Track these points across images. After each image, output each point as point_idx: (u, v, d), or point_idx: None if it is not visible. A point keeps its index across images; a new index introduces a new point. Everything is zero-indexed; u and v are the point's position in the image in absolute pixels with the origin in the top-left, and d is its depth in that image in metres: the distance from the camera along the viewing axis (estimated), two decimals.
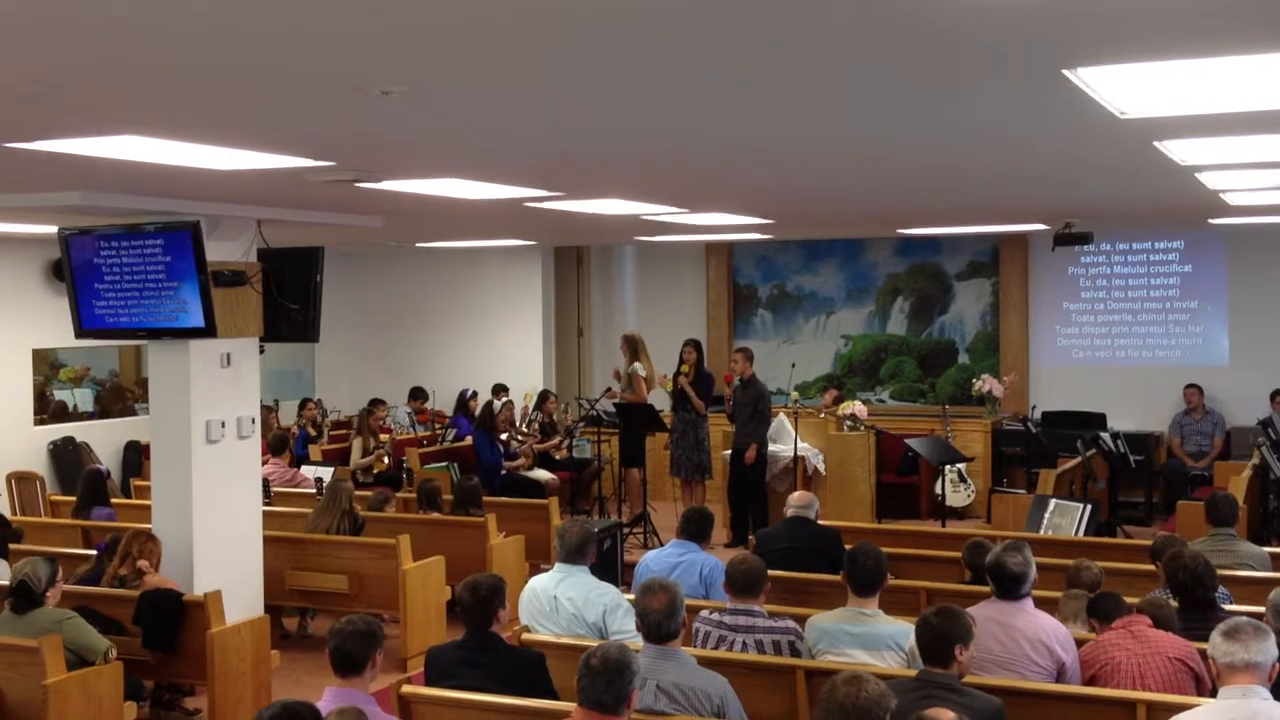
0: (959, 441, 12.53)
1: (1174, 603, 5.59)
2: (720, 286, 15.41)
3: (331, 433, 13.65)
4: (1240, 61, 3.70)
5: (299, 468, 11.29)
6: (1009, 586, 5.32)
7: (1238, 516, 7.51)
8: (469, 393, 13.85)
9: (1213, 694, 4.38)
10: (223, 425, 7.49)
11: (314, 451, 12.47)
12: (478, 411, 12.67)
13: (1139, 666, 5.05)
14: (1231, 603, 6.08)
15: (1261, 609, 4.93)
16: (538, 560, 9.29)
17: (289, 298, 7.54)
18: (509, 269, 15.33)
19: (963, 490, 12.65)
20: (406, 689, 5.11)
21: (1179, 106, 4.55)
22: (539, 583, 6.02)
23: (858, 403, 12.63)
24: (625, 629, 5.67)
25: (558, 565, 6.01)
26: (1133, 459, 11.76)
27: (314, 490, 10.37)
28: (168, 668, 6.92)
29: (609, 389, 12.42)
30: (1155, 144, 5.58)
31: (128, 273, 7.10)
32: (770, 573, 5.76)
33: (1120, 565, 7.22)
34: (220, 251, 7.26)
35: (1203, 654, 4.69)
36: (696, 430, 11.53)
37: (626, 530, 10.55)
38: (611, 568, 8.78)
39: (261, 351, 7.81)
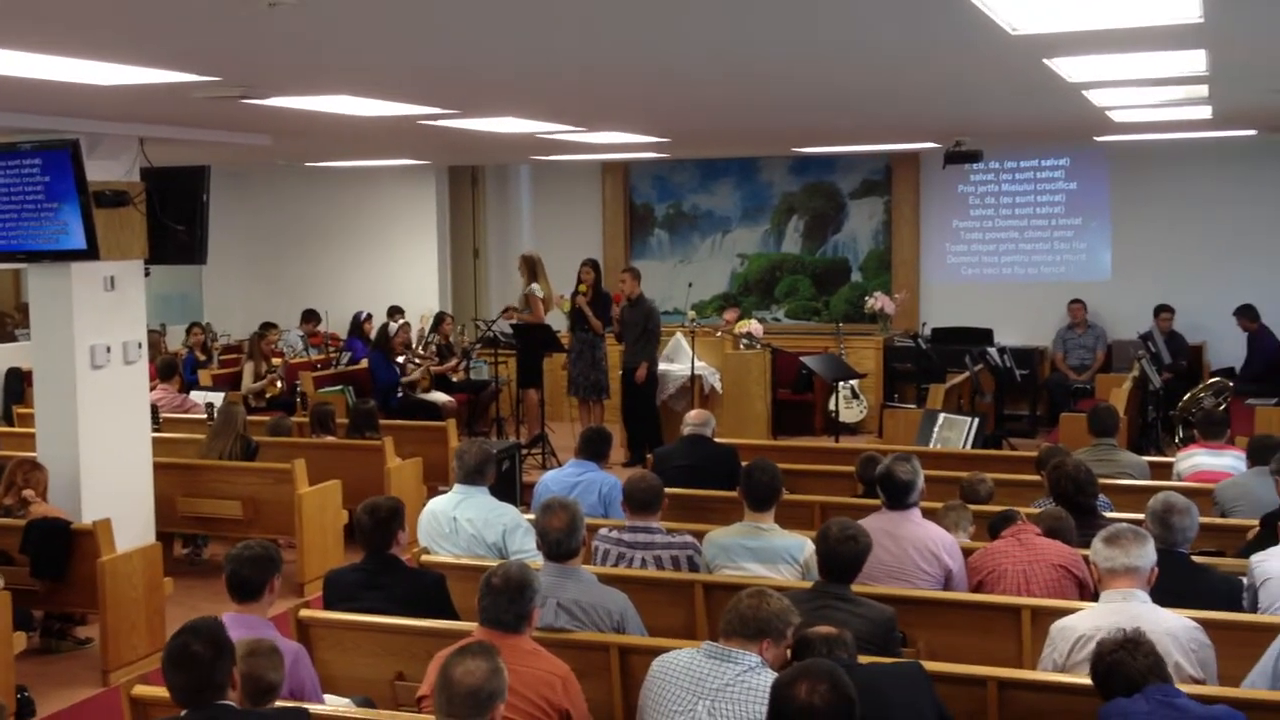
0: (852, 358, 12.73)
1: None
2: (616, 206, 15.35)
3: (221, 357, 13.40)
4: None
5: (188, 393, 11.09)
6: (898, 495, 5.46)
7: (1118, 427, 7.75)
8: (363, 315, 13.68)
9: (1095, 598, 4.55)
10: (108, 350, 7.30)
11: (204, 376, 12.24)
12: (373, 334, 12.51)
13: (1024, 573, 5.23)
14: (1112, 510, 6.29)
15: (1141, 516, 5.10)
16: (436, 482, 9.27)
17: (174, 218, 7.34)
18: (402, 189, 15.08)
19: (855, 406, 12.86)
20: (304, 613, 5.09)
21: (1069, 22, 4.60)
22: (438, 504, 6.02)
23: (754, 321, 12.74)
24: (525, 548, 5.70)
25: (456, 487, 6.00)
26: (1018, 373, 12.06)
27: (204, 416, 10.19)
28: (57, 597, 6.79)
29: (506, 309, 12.35)
30: (1045, 61, 5.65)
31: (4, 194, 6.84)
32: (668, 490, 5.82)
33: (1006, 476, 7.40)
34: (101, 171, 7.03)
35: (1086, 560, 4.85)
36: (594, 350, 11.54)
37: (525, 451, 10.57)
38: (510, 489, 8.80)
39: (147, 274, 7.62)
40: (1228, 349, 12.78)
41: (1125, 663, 3.60)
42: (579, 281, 11.57)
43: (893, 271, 14.36)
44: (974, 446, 9.09)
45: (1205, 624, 4.34)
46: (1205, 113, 8.51)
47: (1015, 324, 13.58)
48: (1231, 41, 5.18)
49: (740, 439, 9.37)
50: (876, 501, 5.73)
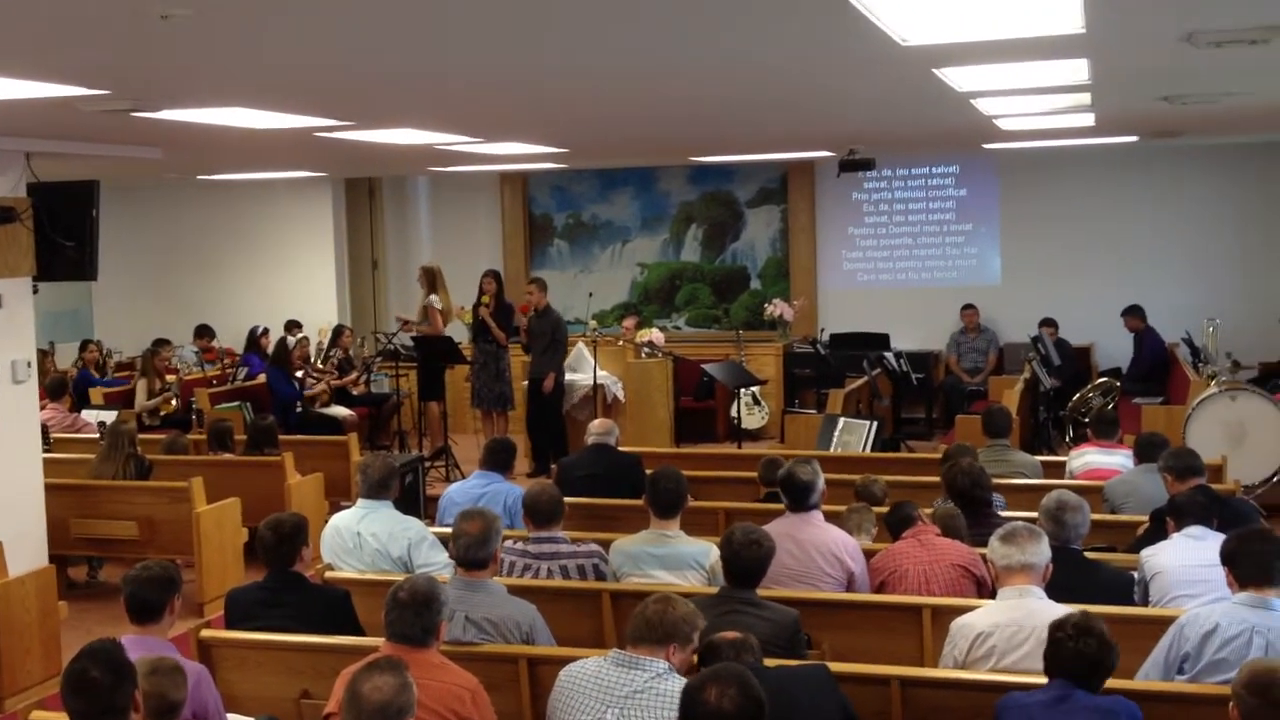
0: (753, 365, 12.85)
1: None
2: (516, 217, 15.33)
3: (115, 374, 13.10)
4: None
5: (79, 412, 10.82)
6: (799, 496, 5.54)
7: (1011, 428, 7.94)
8: (259, 330, 13.47)
9: (992, 595, 4.66)
10: None
11: (95, 395, 11.95)
12: (270, 349, 12.32)
13: (925, 573, 5.33)
14: (1006, 509, 6.43)
15: (1035, 514, 5.23)
16: (338, 498, 9.16)
17: (63, 234, 7.16)
18: (298, 201, 14.89)
19: (757, 412, 12.99)
20: (206, 633, 5.01)
21: (957, 33, 4.72)
22: (341, 520, 5.96)
23: (655, 330, 12.80)
24: (431, 562, 5.68)
25: (360, 501, 5.95)
26: (914, 377, 12.28)
27: (97, 435, 9.96)
28: None
29: (406, 322, 12.26)
30: (934, 71, 5.78)
31: None
32: (573, 499, 5.84)
33: (905, 478, 7.55)
34: None
35: (984, 559, 4.96)
36: (497, 361, 11.51)
37: (428, 464, 10.49)
38: (414, 502, 8.73)
39: (35, 291, 7.43)
40: (1114, 349, 13.15)
41: (1061, 643, 3.75)
42: (481, 293, 11.53)
43: (791, 278, 14.54)
44: (873, 449, 9.24)
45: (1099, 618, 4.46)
46: (1088, 120, 8.76)
47: (910, 329, 13.82)
48: (1112, 51, 5.35)
49: (644, 447, 9.41)
50: (780, 506, 5.80)
